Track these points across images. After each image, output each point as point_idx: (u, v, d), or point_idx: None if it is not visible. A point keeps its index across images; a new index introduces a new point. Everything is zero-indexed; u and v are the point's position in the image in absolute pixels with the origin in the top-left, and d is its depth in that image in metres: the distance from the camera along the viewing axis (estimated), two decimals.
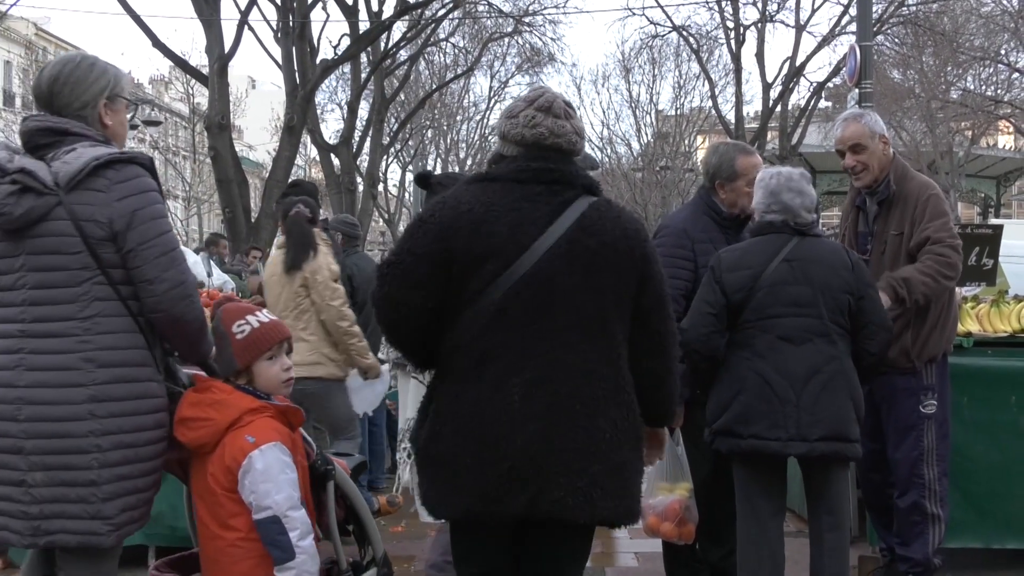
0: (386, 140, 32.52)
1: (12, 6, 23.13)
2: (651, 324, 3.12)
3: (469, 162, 48.47)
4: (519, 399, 2.94)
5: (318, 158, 29.79)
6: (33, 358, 3.05)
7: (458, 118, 45.53)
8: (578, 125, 3.15)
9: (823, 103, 31.65)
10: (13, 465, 3.04)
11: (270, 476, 3.13)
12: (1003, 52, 27.06)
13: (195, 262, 7.30)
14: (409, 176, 42.30)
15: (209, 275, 7.15)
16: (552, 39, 31.58)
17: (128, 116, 3.38)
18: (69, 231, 3.04)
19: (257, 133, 60.07)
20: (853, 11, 21.50)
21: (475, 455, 2.96)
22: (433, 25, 28.26)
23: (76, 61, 3.26)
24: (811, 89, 29.04)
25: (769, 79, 29.08)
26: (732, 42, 29.47)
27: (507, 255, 2.97)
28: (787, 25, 28.92)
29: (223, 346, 3.34)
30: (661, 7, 33.48)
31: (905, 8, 26.47)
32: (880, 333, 4.31)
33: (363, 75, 27.63)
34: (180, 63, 21.73)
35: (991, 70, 28.72)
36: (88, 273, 3.07)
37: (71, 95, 3.18)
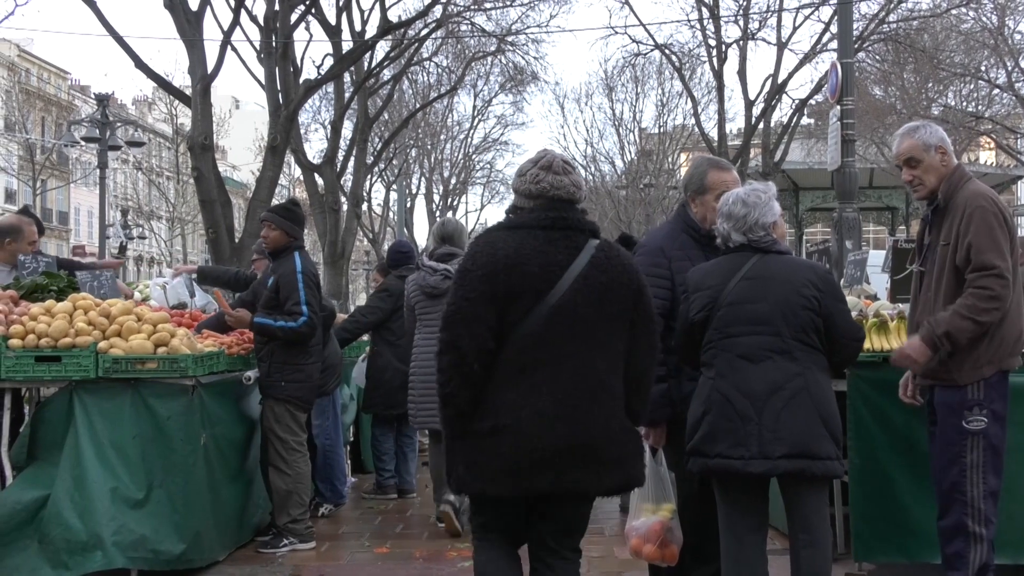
0: (370, 159, 32.51)
1: None
2: (641, 337, 3.81)
3: (453, 181, 48.55)
4: (550, 404, 3.59)
5: (302, 178, 29.77)
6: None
7: (442, 137, 45.58)
8: (575, 179, 3.82)
9: (805, 120, 31.75)
10: None
11: None
12: (983, 68, 27.25)
13: (177, 283, 7.29)
14: (393, 195, 42.34)
15: (192, 296, 7.13)
16: (535, 58, 31.55)
17: None
18: None
19: (241, 153, 60.09)
20: (834, 28, 21.66)
21: (512, 445, 3.57)
22: (416, 45, 28.26)
23: (461, 222, 6.86)
24: (793, 106, 29.12)
25: (751, 96, 29.18)
26: (714, 60, 29.54)
27: (540, 290, 3.63)
28: (769, 43, 29.05)
29: None
30: (643, 25, 33.74)
31: (886, 25, 26.63)
32: (850, 346, 4.36)
33: (346, 95, 27.66)
34: (163, 84, 21.71)
35: (972, 86, 28.93)
36: None
37: (460, 239, 6.87)
